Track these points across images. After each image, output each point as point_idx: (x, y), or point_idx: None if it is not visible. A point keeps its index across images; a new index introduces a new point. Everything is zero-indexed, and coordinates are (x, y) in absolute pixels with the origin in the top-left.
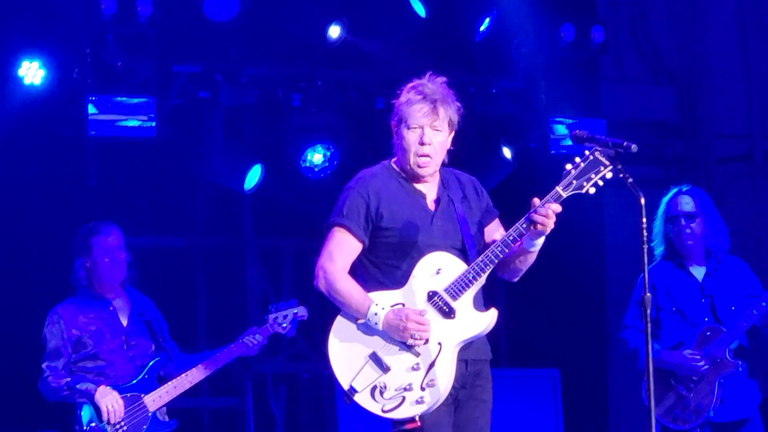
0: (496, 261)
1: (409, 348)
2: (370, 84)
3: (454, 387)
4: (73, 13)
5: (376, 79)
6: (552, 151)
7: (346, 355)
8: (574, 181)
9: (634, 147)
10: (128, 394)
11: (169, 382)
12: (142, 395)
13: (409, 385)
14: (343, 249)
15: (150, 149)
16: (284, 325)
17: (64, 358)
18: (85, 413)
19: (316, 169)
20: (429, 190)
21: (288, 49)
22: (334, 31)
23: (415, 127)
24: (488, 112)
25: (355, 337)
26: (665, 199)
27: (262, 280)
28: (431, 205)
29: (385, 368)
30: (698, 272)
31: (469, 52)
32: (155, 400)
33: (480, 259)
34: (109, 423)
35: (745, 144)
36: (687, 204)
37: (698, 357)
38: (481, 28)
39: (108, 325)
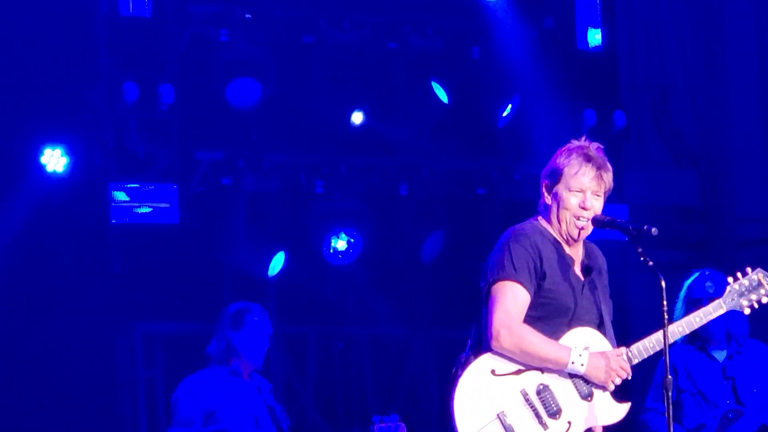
0: (646, 356)
1: (538, 419)
2: (393, 169)
3: None
4: (96, 100)
5: (399, 164)
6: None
7: (474, 407)
8: (736, 298)
9: (654, 231)
10: None
11: None
12: None
13: None
14: (519, 304)
15: (173, 236)
16: None
17: (194, 428)
18: None
19: (339, 256)
20: (576, 257)
21: (310, 134)
22: (357, 117)
23: (577, 191)
24: (511, 198)
25: (488, 391)
26: (687, 282)
27: (287, 366)
28: (580, 274)
29: (509, 431)
30: (719, 355)
31: (491, 138)
32: None
33: (636, 347)
34: None
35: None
36: (710, 287)
37: None
38: (504, 114)
39: (241, 403)
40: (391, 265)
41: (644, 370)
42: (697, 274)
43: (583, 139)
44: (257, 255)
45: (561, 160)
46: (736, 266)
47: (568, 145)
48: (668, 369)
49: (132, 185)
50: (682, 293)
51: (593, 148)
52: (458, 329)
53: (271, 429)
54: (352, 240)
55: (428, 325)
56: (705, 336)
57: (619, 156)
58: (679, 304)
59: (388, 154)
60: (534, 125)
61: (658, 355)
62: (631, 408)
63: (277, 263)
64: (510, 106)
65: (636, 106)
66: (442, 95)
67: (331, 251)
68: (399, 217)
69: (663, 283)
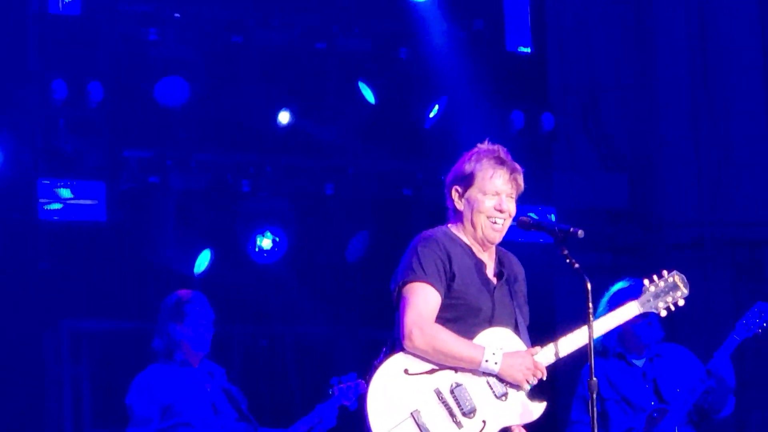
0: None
1: (452, 417)
2: (320, 170)
3: None
4: (25, 98)
5: (325, 165)
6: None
7: (387, 406)
8: (652, 300)
9: (580, 233)
10: None
11: None
12: None
13: None
14: (430, 305)
15: (101, 233)
16: (350, 396)
17: (153, 425)
18: None
19: (265, 255)
20: (488, 261)
21: (238, 134)
22: (284, 117)
23: (492, 194)
24: (437, 199)
25: (401, 390)
26: (614, 288)
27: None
28: (492, 278)
29: (424, 430)
30: (638, 361)
31: (418, 139)
32: None
33: (552, 345)
34: None
35: (696, 231)
36: None
37: None
38: (431, 115)
39: (196, 392)
40: (316, 265)
41: (571, 376)
42: (624, 284)
43: (487, 141)
44: (183, 253)
45: (471, 164)
46: (665, 269)
47: (475, 149)
48: (593, 371)
49: (60, 182)
50: (605, 299)
51: (501, 150)
52: (383, 329)
53: (230, 412)
54: (278, 239)
55: (353, 325)
56: (622, 346)
57: (547, 158)
58: (601, 309)
59: (314, 154)
60: (461, 127)
61: (578, 369)
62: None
63: (202, 261)
64: (437, 107)
65: (565, 108)
66: (369, 96)
67: (257, 250)
68: (325, 217)
69: (589, 285)
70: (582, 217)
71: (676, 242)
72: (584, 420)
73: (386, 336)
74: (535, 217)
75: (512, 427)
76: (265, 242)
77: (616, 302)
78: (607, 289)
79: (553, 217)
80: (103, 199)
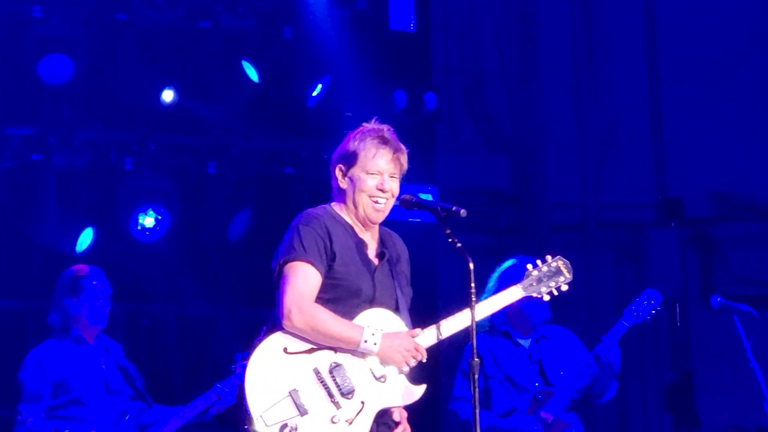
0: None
1: (331, 398)
2: (203, 148)
3: None
4: None
5: (208, 143)
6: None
7: (265, 385)
8: (534, 284)
9: (463, 212)
10: None
11: (150, 430)
12: None
13: None
14: (310, 284)
15: None
16: None
17: (44, 401)
18: None
19: (147, 233)
20: (370, 241)
21: (121, 112)
22: (168, 96)
23: (374, 173)
24: (320, 177)
25: (280, 369)
26: (503, 267)
27: None
28: (374, 258)
29: (302, 410)
30: (524, 342)
31: (301, 118)
32: None
33: (436, 326)
34: None
35: (579, 213)
36: None
37: (531, 422)
38: (314, 93)
39: (89, 369)
40: (198, 243)
41: (454, 354)
42: (513, 261)
43: (374, 121)
44: (66, 231)
45: (355, 143)
46: (546, 251)
47: (360, 128)
48: (474, 352)
49: None
50: (495, 275)
51: (386, 130)
52: (265, 308)
53: (124, 389)
54: (160, 217)
55: (234, 304)
56: (508, 324)
57: (430, 138)
58: (491, 286)
59: (197, 133)
60: (344, 106)
61: (462, 345)
62: (444, 388)
63: (85, 239)
64: (320, 86)
65: (448, 88)
66: (253, 74)
67: (139, 228)
68: (207, 196)
69: (471, 265)
70: (465, 198)
71: (559, 224)
72: (467, 396)
73: (267, 315)
74: (418, 196)
75: (392, 409)
76: (148, 220)
77: (506, 279)
78: (490, 269)
79: (430, 197)
80: None
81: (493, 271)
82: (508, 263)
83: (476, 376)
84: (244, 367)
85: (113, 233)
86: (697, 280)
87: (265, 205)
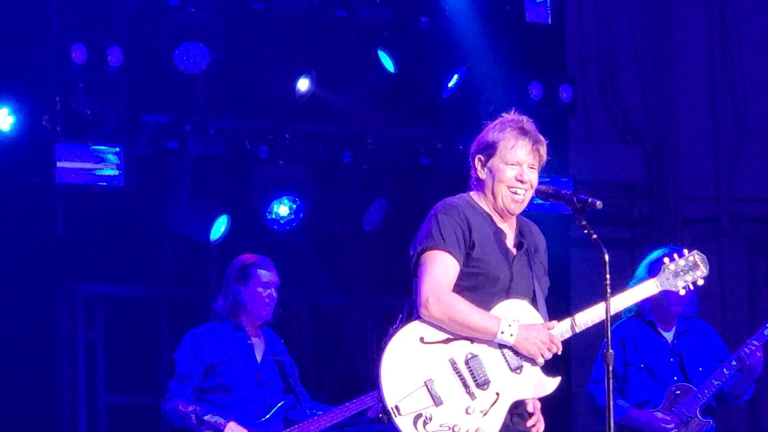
0: (582, 329)
1: (466, 388)
2: (337, 137)
3: None
4: (44, 60)
5: (343, 132)
6: None
7: (401, 374)
8: (671, 278)
9: (599, 204)
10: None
11: (297, 426)
12: None
13: (456, 426)
14: (449, 273)
15: (117, 198)
16: None
17: (194, 382)
18: None
19: (281, 221)
20: (508, 231)
21: (257, 100)
22: (303, 84)
23: (513, 164)
24: (455, 168)
25: (416, 358)
26: (658, 252)
27: None
28: (512, 248)
29: (437, 400)
30: (667, 333)
31: (436, 108)
32: None
33: (572, 319)
34: None
35: (712, 206)
36: None
37: (668, 419)
38: (450, 84)
39: (244, 358)
40: (332, 233)
41: (587, 344)
42: (665, 250)
43: (513, 111)
44: (200, 219)
45: (495, 134)
46: (680, 244)
47: (500, 118)
48: (609, 343)
49: (78, 146)
50: (643, 265)
51: (526, 121)
52: (398, 298)
53: (277, 383)
54: (295, 206)
55: (368, 294)
56: (660, 314)
57: (564, 130)
58: (641, 272)
59: (332, 122)
60: (479, 97)
61: (597, 335)
62: (575, 383)
63: (219, 227)
64: (456, 76)
65: (583, 80)
66: (389, 64)
67: (273, 216)
68: (342, 185)
69: (606, 257)
70: (598, 190)
71: (692, 217)
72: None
73: (402, 304)
74: (555, 187)
75: (526, 401)
76: (282, 209)
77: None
78: (623, 261)
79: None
80: (120, 163)
81: (624, 262)
82: (659, 252)
83: (610, 368)
84: (381, 355)
85: (247, 222)
86: None
87: (399, 194)
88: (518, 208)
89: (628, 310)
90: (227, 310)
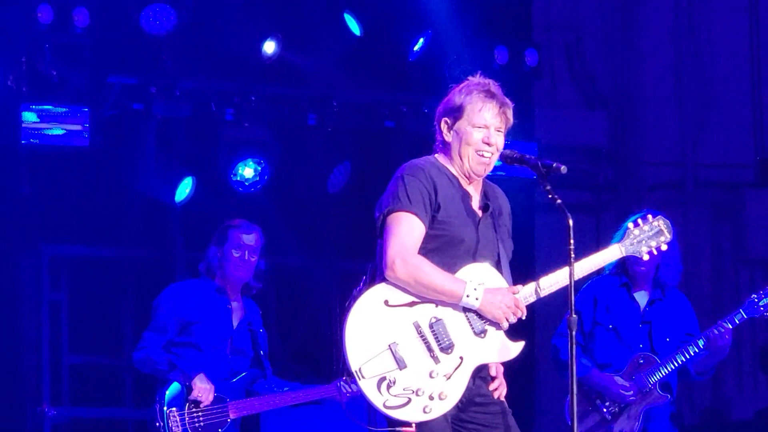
0: (547, 294)
1: (430, 352)
2: (303, 100)
3: (460, 400)
4: (9, 21)
5: (308, 95)
6: None
7: (365, 337)
8: (635, 244)
9: (563, 168)
10: (216, 395)
11: (258, 398)
12: (228, 400)
13: (420, 390)
14: (414, 235)
15: (83, 159)
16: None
17: (168, 336)
18: (172, 391)
19: (246, 183)
20: (474, 193)
21: (223, 63)
22: (269, 47)
23: (480, 127)
24: (420, 131)
25: (380, 321)
26: (634, 218)
27: None
28: (477, 210)
29: (401, 364)
30: (641, 298)
31: (402, 72)
32: (239, 409)
33: (537, 283)
34: (192, 404)
35: (677, 171)
36: None
37: (627, 386)
38: (415, 48)
39: (220, 321)
40: (297, 195)
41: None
42: (641, 214)
43: (479, 75)
44: (165, 180)
45: (462, 97)
46: (644, 210)
47: (466, 82)
48: (572, 309)
49: (43, 107)
50: (625, 226)
51: (493, 84)
52: (362, 261)
53: (247, 352)
54: (260, 168)
55: (332, 256)
56: (633, 275)
57: (529, 95)
58: (619, 234)
59: (298, 85)
60: (445, 60)
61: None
62: (538, 348)
63: (184, 189)
64: (422, 40)
65: (549, 45)
66: (355, 28)
67: (238, 179)
68: (307, 148)
69: (570, 222)
70: (563, 155)
71: (656, 182)
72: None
73: (366, 267)
74: (520, 151)
75: (490, 365)
76: (247, 171)
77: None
78: (587, 226)
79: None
80: (86, 125)
81: (588, 227)
82: (639, 215)
83: (573, 332)
84: (345, 318)
85: (212, 183)
86: None
87: (364, 157)
88: (485, 171)
89: (610, 265)
90: (207, 270)
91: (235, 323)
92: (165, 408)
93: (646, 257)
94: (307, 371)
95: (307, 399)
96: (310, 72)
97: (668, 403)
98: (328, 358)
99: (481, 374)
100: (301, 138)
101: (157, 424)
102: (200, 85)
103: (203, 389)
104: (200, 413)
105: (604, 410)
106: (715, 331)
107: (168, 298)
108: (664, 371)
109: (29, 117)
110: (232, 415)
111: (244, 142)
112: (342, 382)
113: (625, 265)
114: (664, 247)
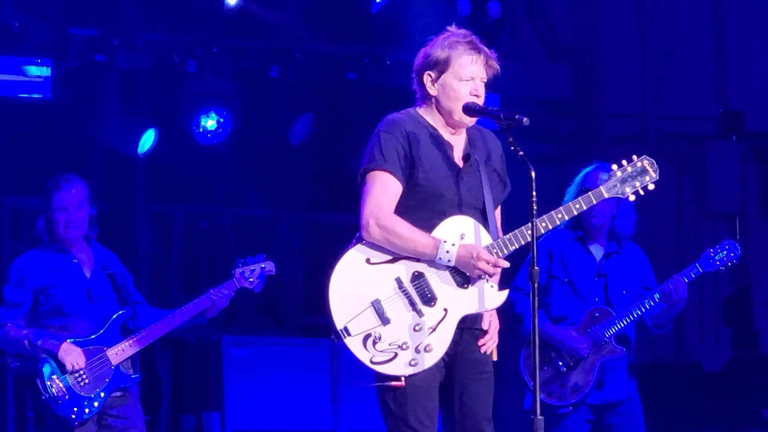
0: (518, 246)
1: (413, 306)
2: (265, 52)
3: (447, 353)
4: None
5: (271, 47)
6: None
7: (348, 295)
8: (618, 185)
9: (525, 120)
10: (90, 347)
11: (132, 336)
12: (105, 348)
13: (405, 344)
14: (389, 193)
15: (45, 110)
16: (251, 279)
17: (24, 308)
18: (47, 369)
19: (209, 135)
20: (457, 144)
21: (185, 15)
22: None
23: (467, 79)
24: (383, 83)
25: (362, 279)
26: (585, 170)
27: (153, 243)
28: (459, 161)
29: (385, 320)
30: (597, 251)
31: (364, 24)
32: (118, 353)
33: (507, 237)
34: (71, 374)
35: (639, 124)
36: (604, 179)
37: (581, 339)
38: (378, 0)
39: (71, 277)
40: (259, 147)
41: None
42: (597, 165)
43: (454, 27)
44: (128, 132)
45: (446, 50)
46: (608, 161)
47: (446, 34)
48: (535, 261)
49: (6, 58)
50: (578, 179)
51: (473, 36)
52: (324, 213)
53: (109, 296)
54: (222, 120)
55: (294, 208)
56: (588, 228)
57: (492, 46)
58: (572, 189)
59: (260, 37)
60: (407, 12)
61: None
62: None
63: (147, 140)
64: None
65: None
66: None
67: (201, 130)
68: (269, 100)
69: (533, 174)
70: (525, 107)
71: (619, 134)
72: (527, 289)
73: (327, 219)
74: (481, 103)
75: (482, 319)
76: (209, 123)
77: (587, 184)
78: (549, 178)
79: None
80: (48, 76)
81: (551, 179)
82: (589, 168)
83: (536, 285)
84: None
85: (175, 135)
86: (757, 194)
87: (326, 109)
88: (473, 121)
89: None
90: (43, 235)
91: (87, 273)
92: (46, 381)
93: (632, 197)
94: (269, 323)
95: (184, 318)
96: (272, 24)
97: (625, 356)
98: (290, 310)
99: (471, 326)
100: (263, 90)
101: (43, 397)
102: (162, 37)
103: (72, 356)
104: (81, 371)
105: (560, 363)
106: (671, 285)
107: (14, 273)
108: (619, 324)
109: None
110: (114, 361)
111: (207, 94)
112: (213, 290)
113: (580, 218)
114: (651, 187)
